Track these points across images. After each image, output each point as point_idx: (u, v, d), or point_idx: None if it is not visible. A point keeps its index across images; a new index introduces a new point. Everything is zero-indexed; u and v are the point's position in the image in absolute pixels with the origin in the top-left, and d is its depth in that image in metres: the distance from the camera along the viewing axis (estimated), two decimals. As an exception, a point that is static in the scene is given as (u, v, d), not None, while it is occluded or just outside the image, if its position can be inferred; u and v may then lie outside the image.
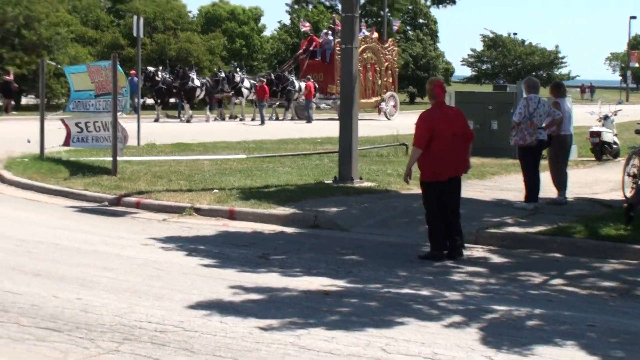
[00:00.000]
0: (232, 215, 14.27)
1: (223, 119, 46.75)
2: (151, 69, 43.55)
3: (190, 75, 44.67)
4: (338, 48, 50.01)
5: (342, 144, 17.61)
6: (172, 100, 48.48)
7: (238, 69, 51.18)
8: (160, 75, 43.39)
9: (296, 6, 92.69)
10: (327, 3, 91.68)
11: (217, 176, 18.12)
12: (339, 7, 19.75)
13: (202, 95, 45.63)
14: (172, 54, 61.17)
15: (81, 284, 9.33)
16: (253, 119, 45.90)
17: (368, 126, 29.85)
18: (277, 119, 48.98)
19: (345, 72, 17.97)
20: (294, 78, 49.57)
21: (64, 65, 35.09)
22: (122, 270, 10.05)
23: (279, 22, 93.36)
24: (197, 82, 44.67)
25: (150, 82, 42.76)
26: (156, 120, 42.02)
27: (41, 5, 54.14)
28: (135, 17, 26.82)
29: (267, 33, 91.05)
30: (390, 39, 58.18)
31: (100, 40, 64.23)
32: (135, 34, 26.35)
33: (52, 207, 15.37)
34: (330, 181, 17.37)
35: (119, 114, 18.90)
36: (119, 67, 18.93)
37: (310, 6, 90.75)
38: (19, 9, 52.73)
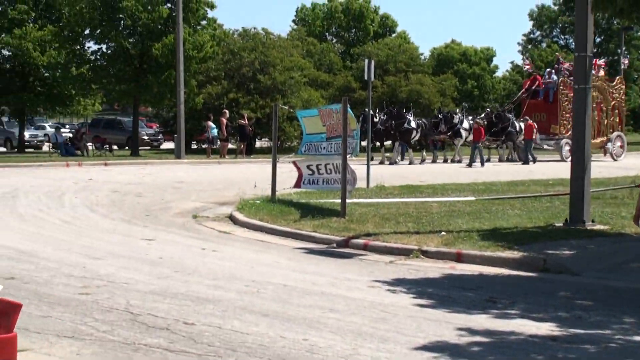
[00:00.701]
0: (459, 258, 14.10)
1: (434, 161, 46.46)
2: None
3: (407, 116, 44.60)
4: (562, 87, 49.03)
5: (573, 185, 17.12)
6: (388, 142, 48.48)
7: (458, 111, 50.84)
8: (378, 117, 43.54)
9: (529, 46, 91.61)
10: (562, 42, 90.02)
11: (445, 218, 17.99)
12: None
13: (417, 137, 45.47)
14: (403, 96, 61.68)
15: (308, 324, 9.43)
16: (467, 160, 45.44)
17: (598, 167, 29.01)
18: (487, 160, 48.19)
19: (577, 113, 17.50)
20: (513, 118, 48.71)
21: (296, 109, 36.05)
22: (348, 312, 10.08)
23: (511, 62, 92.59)
24: (412, 124, 44.54)
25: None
26: (381, 163, 42.34)
27: (276, 51, 55.98)
28: (366, 61, 27.18)
29: (498, 73, 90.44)
30: (617, 77, 56.24)
31: (333, 84, 65.53)
32: (366, 77, 26.69)
33: (281, 248, 15.68)
34: (561, 224, 16.89)
35: (349, 156, 19.14)
36: (349, 110, 19.19)
37: (544, 45, 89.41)
38: (255, 54, 54.73)
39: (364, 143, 31.00)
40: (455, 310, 10.23)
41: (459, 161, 46.02)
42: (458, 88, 75.17)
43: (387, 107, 47.57)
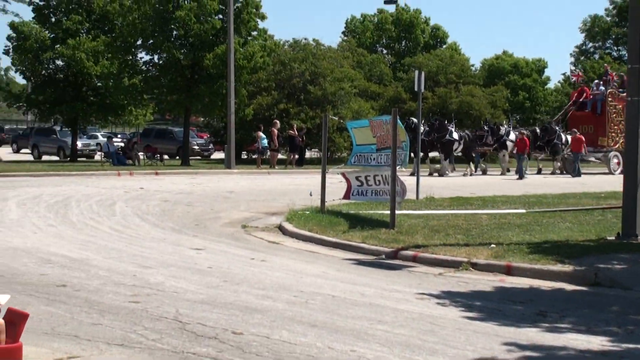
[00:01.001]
0: (509, 271, 14.00)
1: (484, 172, 46.19)
2: (414, 119, 43.04)
3: (449, 128, 44.32)
4: (610, 99, 48.57)
5: (625, 198, 16.92)
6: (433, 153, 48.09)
7: (504, 122, 50.45)
8: (422, 129, 43.22)
9: (582, 57, 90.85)
10: (615, 54, 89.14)
11: (495, 230, 17.89)
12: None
13: (460, 149, 45.18)
14: (454, 107, 61.40)
15: (356, 336, 9.41)
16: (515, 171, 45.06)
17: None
18: (538, 172, 47.80)
19: (630, 126, 17.30)
20: (560, 131, 48.28)
21: (346, 120, 36.05)
22: (396, 324, 10.05)
23: (563, 74, 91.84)
24: (454, 135, 44.24)
25: (412, 134, 42.84)
26: (430, 174, 42.18)
27: (326, 62, 56.03)
28: (416, 72, 27.10)
29: (550, 85, 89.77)
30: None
31: (383, 95, 65.45)
32: (416, 89, 26.61)
33: (330, 259, 15.68)
34: (613, 237, 16.70)
35: (398, 167, 19.10)
36: (399, 121, 19.14)
37: (597, 56, 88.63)
38: (305, 65, 54.83)
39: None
40: (505, 324, 10.16)
41: (507, 171, 45.85)
42: (509, 99, 74.67)
43: (430, 119, 47.41)
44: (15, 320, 7.50)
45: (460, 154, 46.09)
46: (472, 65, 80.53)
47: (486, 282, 13.36)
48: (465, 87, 65.42)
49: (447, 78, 66.74)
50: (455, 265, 14.52)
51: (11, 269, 13.45)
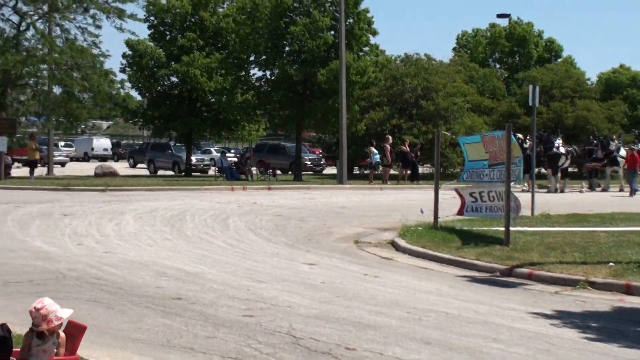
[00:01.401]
0: (628, 290, 13.64)
1: (603, 189, 45.00)
2: (520, 135, 42.12)
3: (555, 142, 43.43)
4: None
5: None
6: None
7: (614, 137, 49.17)
8: (528, 143, 42.48)
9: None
10: None
11: (614, 249, 17.46)
12: None
13: (567, 164, 44.15)
14: (569, 122, 60.32)
15: (471, 354, 9.29)
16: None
17: None
18: None
19: None
20: None
21: (459, 136, 35.77)
22: (512, 343, 9.90)
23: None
24: (561, 149, 43.34)
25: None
26: (523, 190, 41.40)
27: (439, 76, 55.77)
28: (530, 86, 26.75)
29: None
30: None
31: (496, 110, 64.76)
32: (530, 103, 26.27)
33: (443, 276, 15.54)
34: None
35: (512, 183, 18.83)
36: (512, 137, 18.88)
37: None
38: (417, 80, 54.65)
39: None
40: (625, 345, 9.91)
41: (598, 187, 44.78)
42: (627, 114, 73.02)
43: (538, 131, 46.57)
44: (74, 332, 7.62)
45: (570, 168, 45.11)
46: (588, 79, 79.09)
47: (604, 301, 13.05)
48: (581, 102, 64.17)
49: (562, 92, 65.58)
50: (571, 283, 14.24)
51: (129, 281, 13.70)
